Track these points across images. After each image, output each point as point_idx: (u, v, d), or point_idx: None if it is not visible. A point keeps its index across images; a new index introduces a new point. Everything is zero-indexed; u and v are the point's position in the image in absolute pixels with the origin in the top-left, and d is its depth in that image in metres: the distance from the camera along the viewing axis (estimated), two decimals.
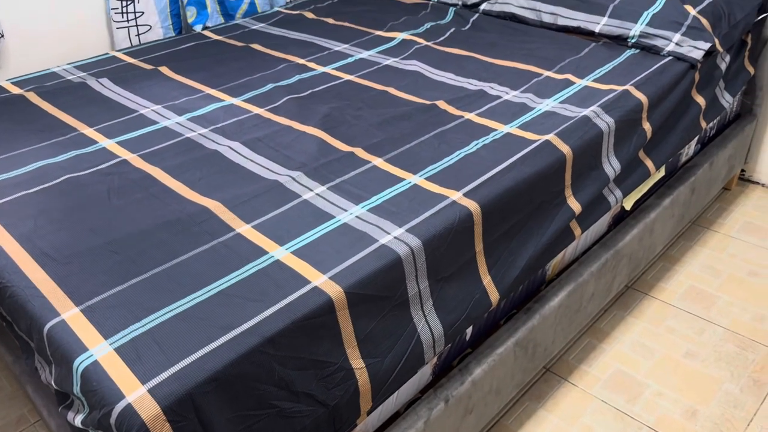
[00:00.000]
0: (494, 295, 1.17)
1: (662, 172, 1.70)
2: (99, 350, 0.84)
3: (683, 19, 1.70)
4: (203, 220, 1.09)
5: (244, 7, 2.28)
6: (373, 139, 1.35)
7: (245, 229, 1.07)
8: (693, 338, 1.67)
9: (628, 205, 1.57)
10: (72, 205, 1.15)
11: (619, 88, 1.49)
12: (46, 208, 1.15)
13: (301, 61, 1.79)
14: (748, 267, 1.91)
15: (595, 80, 1.55)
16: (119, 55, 1.90)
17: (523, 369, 1.34)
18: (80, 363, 0.83)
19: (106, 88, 1.66)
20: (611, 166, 1.41)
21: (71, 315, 0.90)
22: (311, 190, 1.18)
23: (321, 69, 1.73)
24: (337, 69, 1.73)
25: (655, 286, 1.84)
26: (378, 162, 1.27)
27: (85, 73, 1.77)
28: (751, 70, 2.00)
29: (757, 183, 2.30)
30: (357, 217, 1.10)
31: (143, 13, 2.05)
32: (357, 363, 0.97)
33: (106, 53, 1.93)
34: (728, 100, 1.87)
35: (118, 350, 0.83)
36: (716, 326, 1.70)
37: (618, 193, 1.46)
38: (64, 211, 1.14)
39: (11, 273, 1.00)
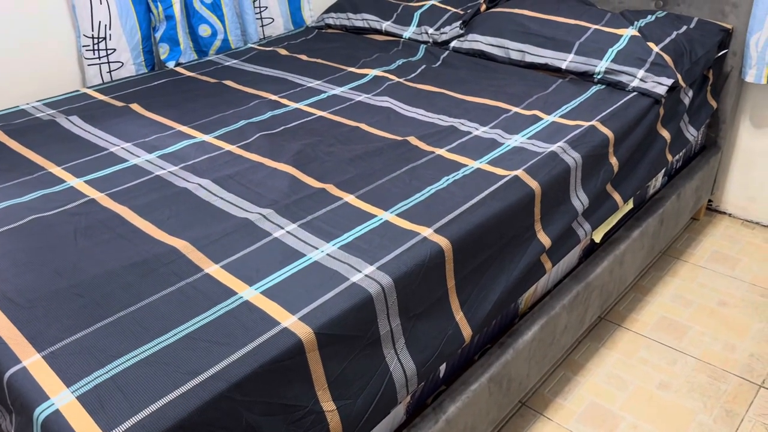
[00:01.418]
0: (467, 331, 1.17)
1: (630, 205, 1.73)
2: (61, 399, 0.81)
3: (647, 56, 1.75)
4: (171, 260, 1.08)
5: (217, 43, 2.29)
6: (345, 175, 1.36)
7: (214, 270, 1.06)
8: (666, 369, 1.68)
9: (597, 237, 1.59)
10: (37, 247, 1.13)
11: (586, 124, 1.53)
12: (10, 250, 1.13)
13: (274, 97, 1.80)
14: (717, 297, 1.93)
15: (562, 116, 1.58)
16: (90, 92, 1.90)
17: (498, 404, 1.34)
18: (41, 412, 0.80)
19: (76, 125, 1.64)
20: (579, 200, 1.43)
21: (33, 362, 0.88)
22: (282, 228, 1.17)
23: (293, 105, 1.74)
24: (309, 105, 1.74)
25: (627, 317, 1.86)
26: (349, 198, 1.27)
27: (54, 111, 1.76)
28: (714, 104, 2.06)
29: (725, 213, 2.35)
30: (328, 254, 1.09)
31: (115, 50, 2.05)
32: (328, 405, 0.96)
33: (77, 90, 1.92)
34: (693, 134, 1.92)
35: (80, 398, 0.81)
36: (688, 357, 1.72)
37: (587, 226, 1.48)
38: (28, 253, 1.11)
39: None
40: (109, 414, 0.79)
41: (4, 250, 1.13)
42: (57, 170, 1.41)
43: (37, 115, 1.73)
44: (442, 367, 1.24)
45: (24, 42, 1.92)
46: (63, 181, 1.36)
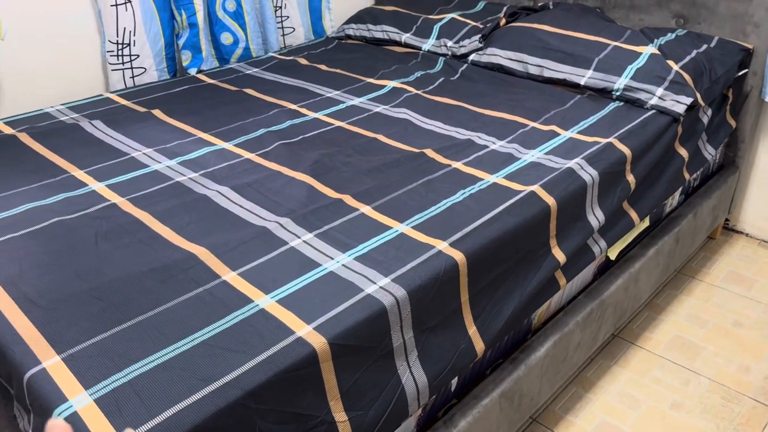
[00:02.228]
0: (480, 346, 1.17)
1: (647, 223, 1.73)
2: (79, 401, 0.83)
3: (666, 74, 1.75)
4: (189, 266, 1.09)
5: (238, 51, 2.32)
6: (362, 186, 1.37)
7: (231, 277, 1.07)
8: (679, 389, 1.67)
9: (612, 255, 1.59)
10: (59, 249, 1.15)
11: (603, 141, 1.53)
12: (32, 252, 1.15)
13: (293, 106, 1.82)
14: (732, 317, 1.92)
15: (579, 132, 1.59)
16: (113, 96, 1.93)
17: (509, 420, 1.33)
18: (59, 414, 0.82)
19: (99, 130, 1.67)
20: (596, 217, 1.43)
21: (52, 363, 0.89)
22: (299, 237, 1.18)
23: (312, 115, 1.76)
24: (328, 115, 1.76)
25: (640, 336, 1.85)
26: (366, 210, 1.28)
27: (78, 115, 1.79)
28: (733, 123, 2.05)
29: (741, 232, 2.33)
30: (343, 265, 1.10)
31: (138, 56, 2.08)
32: (340, 416, 0.96)
33: (100, 95, 1.95)
34: (711, 153, 1.91)
35: (98, 401, 0.82)
36: (702, 377, 1.70)
37: (603, 243, 1.48)
38: (50, 255, 1.14)
39: None
40: (126, 418, 0.80)
41: (27, 252, 1.15)
42: (80, 174, 1.44)
43: (61, 119, 1.77)
44: (454, 381, 1.24)
45: (50, 46, 1.96)
46: (85, 185, 1.38)
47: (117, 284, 1.05)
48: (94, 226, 1.22)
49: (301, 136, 1.62)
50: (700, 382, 1.69)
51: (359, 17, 2.47)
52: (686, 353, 1.78)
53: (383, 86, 1.94)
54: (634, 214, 1.57)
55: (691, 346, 1.81)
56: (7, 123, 1.75)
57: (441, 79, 1.98)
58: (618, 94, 1.76)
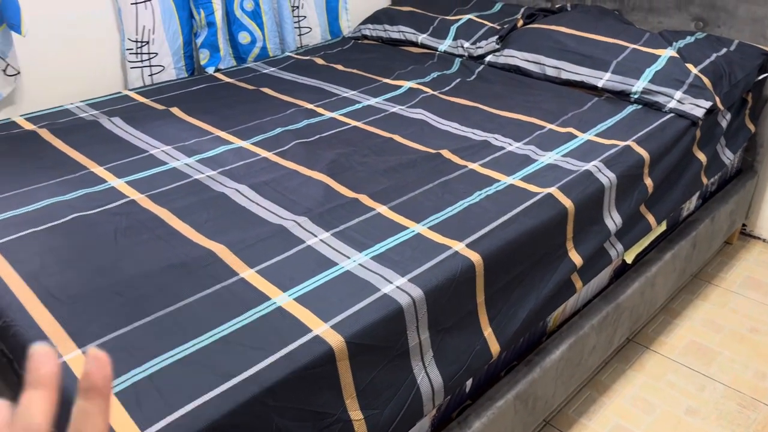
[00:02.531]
0: (495, 347, 1.17)
1: (664, 227, 1.71)
2: None
3: (685, 78, 1.74)
4: (208, 263, 1.10)
5: (255, 51, 2.33)
6: (379, 186, 1.37)
7: (249, 274, 1.08)
8: (694, 394, 1.65)
9: (629, 258, 1.58)
10: (79, 245, 1.16)
11: (621, 144, 1.52)
12: (53, 247, 1.16)
13: (310, 105, 1.83)
14: (749, 323, 1.90)
15: (597, 134, 1.58)
16: (132, 94, 1.95)
17: (523, 422, 1.33)
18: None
19: (118, 126, 1.69)
20: (613, 220, 1.43)
21: (73, 357, 0.90)
22: (315, 236, 1.19)
23: (329, 114, 1.77)
24: (344, 115, 1.76)
25: (655, 340, 1.84)
26: (382, 209, 1.28)
27: (97, 111, 1.81)
28: (752, 127, 2.03)
29: (759, 238, 2.31)
30: (360, 264, 1.11)
31: (157, 54, 2.10)
32: (356, 414, 0.97)
33: (119, 92, 1.97)
34: (729, 157, 1.90)
35: (118, 395, 0.83)
36: (717, 383, 1.69)
37: (619, 246, 1.47)
38: (71, 250, 1.15)
39: (15, 312, 1.00)
40: (146, 412, 0.81)
41: (48, 247, 1.16)
42: (99, 170, 1.45)
43: (81, 115, 1.78)
44: (468, 382, 1.24)
45: (70, 43, 1.98)
46: (104, 181, 1.40)
47: (137, 280, 1.06)
48: (114, 222, 1.23)
49: (317, 136, 1.63)
50: (715, 387, 1.68)
51: (376, 18, 2.48)
52: (702, 358, 1.77)
53: (399, 87, 1.95)
54: (651, 218, 1.57)
55: (707, 351, 1.80)
56: (27, 119, 1.77)
57: (457, 80, 1.98)
58: (636, 97, 1.75)
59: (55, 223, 1.24)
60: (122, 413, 0.81)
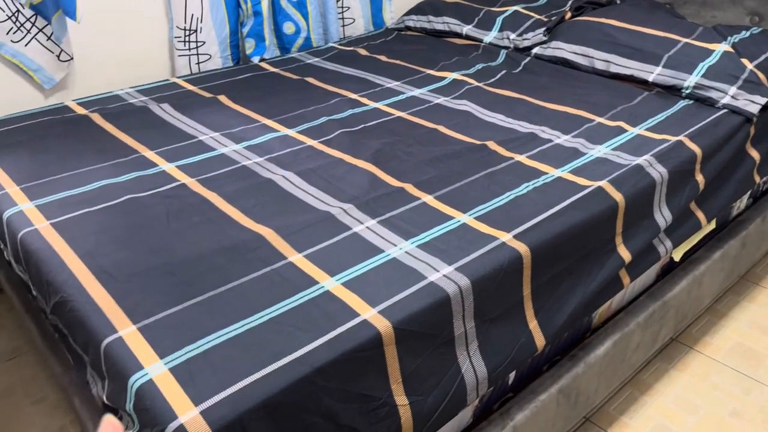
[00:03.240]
0: (540, 340, 1.16)
1: (713, 225, 1.67)
2: (154, 369, 0.86)
3: (740, 73, 1.69)
4: (257, 246, 1.12)
5: (299, 41, 2.35)
6: (424, 176, 1.37)
7: (297, 258, 1.09)
8: (739, 397, 1.61)
9: (677, 256, 1.55)
10: (132, 225, 1.19)
11: (673, 139, 1.49)
12: (108, 227, 1.19)
13: (354, 96, 1.83)
14: None
15: (648, 129, 1.55)
16: (179, 81, 1.98)
17: (565, 417, 1.32)
18: (135, 381, 0.85)
19: (167, 113, 1.72)
20: (663, 216, 1.40)
21: (128, 332, 0.93)
22: (361, 223, 1.20)
23: (373, 104, 1.77)
24: (388, 105, 1.76)
25: (700, 340, 1.80)
26: (428, 199, 1.28)
27: (146, 98, 1.84)
28: None
29: None
30: (406, 252, 1.11)
31: (204, 42, 2.13)
32: (401, 400, 0.97)
33: (167, 79, 2.01)
34: None
35: (172, 370, 0.85)
36: (764, 386, 1.64)
37: (668, 243, 1.44)
38: (124, 230, 1.18)
39: (72, 288, 1.03)
40: (199, 387, 0.82)
41: (103, 227, 1.19)
42: (150, 154, 1.48)
43: (131, 101, 1.82)
44: (511, 375, 1.23)
45: (121, 31, 2.02)
46: (156, 165, 1.43)
47: (189, 260, 1.08)
48: (166, 205, 1.26)
49: (362, 125, 1.63)
50: (762, 391, 1.63)
51: (420, 8, 2.47)
52: (748, 361, 1.72)
53: (443, 78, 1.94)
54: (701, 215, 1.53)
55: (754, 353, 1.75)
56: (79, 103, 1.81)
57: (503, 72, 1.96)
58: (688, 92, 1.71)
59: (109, 204, 1.27)
60: (176, 388, 0.82)
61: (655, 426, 1.53)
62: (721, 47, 1.77)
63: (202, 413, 0.79)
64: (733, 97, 1.65)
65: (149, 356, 0.88)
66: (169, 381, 0.84)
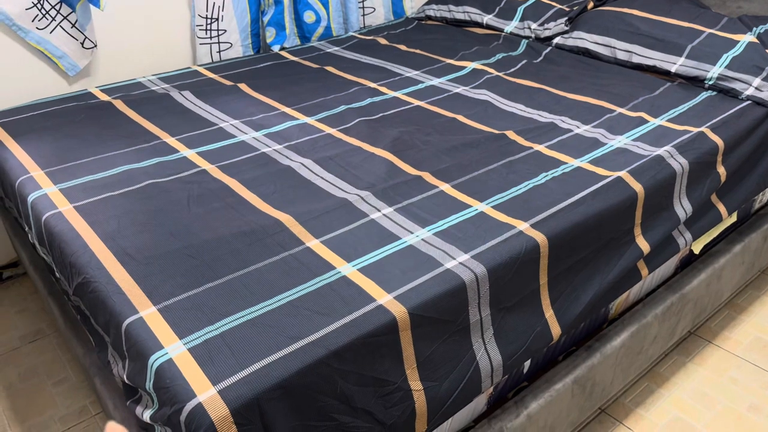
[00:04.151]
0: (556, 330, 1.16)
1: (734, 218, 1.65)
2: (174, 349, 0.87)
3: (765, 64, 1.66)
4: (275, 232, 1.13)
5: (320, 30, 2.35)
6: (441, 164, 1.37)
7: (314, 244, 1.10)
8: (758, 392, 1.60)
9: (697, 248, 1.53)
10: (154, 209, 1.21)
11: (695, 130, 1.47)
12: (129, 210, 1.21)
13: (373, 85, 1.84)
14: None
15: (669, 120, 1.53)
16: (201, 69, 2.00)
17: (580, 407, 1.32)
18: (155, 360, 0.87)
19: (188, 100, 1.74)
20: (683, 207, 1.39)
21: (149, 313, 0.94)
22: (378, 210, 1.20)
23: (392, 93, 1.77)
24: (407, 94, 1.76)
25: (719, 334, 1.78)
26: (445, 187, 1.28)
27: (168, 85, 1.86)
28: None
29: None
30: (423, 240, 1.11)
31: (225, 31, 2.15)
32: (415, 385, 0.98)
33: (188, 67, 2.03)
34: None
35: (191, 350, 0.87)
36: None
37: (688, 235, 1.43)
38: (146, 214, 1.20)
39: (95, 269, 1.05)
40: (218, 367, 0.84)
41: (124, 210, 1.21)
42: (171, 140, 1.50)
43: (153, 88, 1.84)
44: (526, 363, 1.23)
45: (143, 19, 2.04)
46: (177, 151, 1.44)
47: (208, 244, 1.09)
48: (186, 190, 1.28)
49: (381, 114, 1.64)
50: None
51: None
52: (767, 356, 1.71)
53: (463, 67, 1.93)
54: (722, 208, 1.51)
55: None
56: (102, 90, 1.84)
57: (523, 62, 1.95)
58: (711, 83, 1.69)
59: (131, 188, 1.29)
60: (195, 367, 0.84)
61: (672, 419, 1.52)
62: (746, 38, 1.74)
63: (220, 392, 0.80)
64: (757, 88, 1.63)
65: (169, 336, 0.90)
66: (188, 361, 0.85)
